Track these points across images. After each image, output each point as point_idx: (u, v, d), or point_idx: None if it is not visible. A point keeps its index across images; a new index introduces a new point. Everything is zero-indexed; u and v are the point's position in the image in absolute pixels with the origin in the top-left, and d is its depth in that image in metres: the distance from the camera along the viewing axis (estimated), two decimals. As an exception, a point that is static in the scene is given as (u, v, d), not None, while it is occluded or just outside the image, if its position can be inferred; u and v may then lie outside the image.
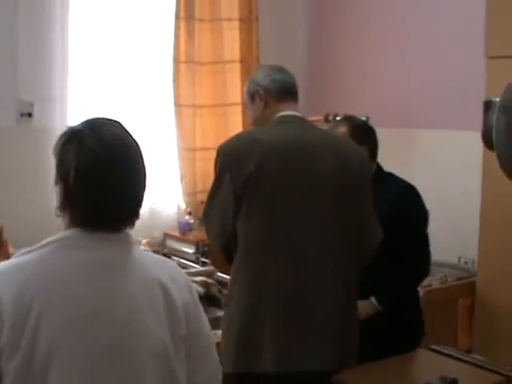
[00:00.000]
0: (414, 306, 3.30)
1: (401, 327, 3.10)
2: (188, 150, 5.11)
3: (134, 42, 4.89)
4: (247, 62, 5.29)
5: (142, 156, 1.67)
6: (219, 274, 3.77)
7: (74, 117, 4.61)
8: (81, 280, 1.52)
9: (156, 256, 1.74)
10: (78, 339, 1.46)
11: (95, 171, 1.56)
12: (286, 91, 2.74)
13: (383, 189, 3.02)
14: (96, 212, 1.58)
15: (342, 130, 3.14)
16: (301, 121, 2.74)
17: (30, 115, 4.48)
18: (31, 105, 4.48)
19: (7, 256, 3.58)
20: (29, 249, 1.57)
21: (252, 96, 2.78)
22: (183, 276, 1.73)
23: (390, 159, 5.10)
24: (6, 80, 4.37)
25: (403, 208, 3.09)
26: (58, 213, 1.63)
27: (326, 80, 5.65)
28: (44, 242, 1.57)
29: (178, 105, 5.05)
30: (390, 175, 3.30)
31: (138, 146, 1.67)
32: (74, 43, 4.60)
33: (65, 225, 1.62)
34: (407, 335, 3.13)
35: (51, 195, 5.08)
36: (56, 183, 1.62)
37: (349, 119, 3.32)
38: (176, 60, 5.00)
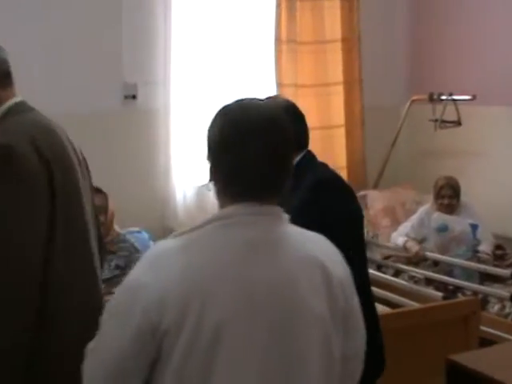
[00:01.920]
0: None
1: None
2: (290, 130, 5.09)
3: (235, 23, 4.91)
4: (348, 40, 5.24)
5: (290, 135, 1.63)
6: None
7: (177, 99, 4.68)
8: (243, 262, 1.54)
9: (308, 232, 1.71)
10: (243, 320, 1.50)
11: (237, 140, 1.56)
12: (9, 73, 2.12)
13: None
14: (244, 182, 1.57)
15: None
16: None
17: (134, 97, 4.58)
18: (135, 87, 4.58)
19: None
20: (188, 229, 1.58)
21: None
22: (337, 252, 1.72)
23: (496, 138, 5.00)
24: (112, 63, 4.48)
25: (312, 201, 2.34)
26: (209, 188, 1.63)
27: (429, 58, 5.52)
28: (202, 221, 1.58)
29: (279, 84, 5.04)
30: (315, 166, 2.48)
31: (288, 126, 1.63)
32: (176, 25, 4.67)
33: (218, 200, 1.62)
34: None
35: (156, 175, 5.16)
36: (207, 158, 1.63)
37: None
38: (278, 39, 5.00)
